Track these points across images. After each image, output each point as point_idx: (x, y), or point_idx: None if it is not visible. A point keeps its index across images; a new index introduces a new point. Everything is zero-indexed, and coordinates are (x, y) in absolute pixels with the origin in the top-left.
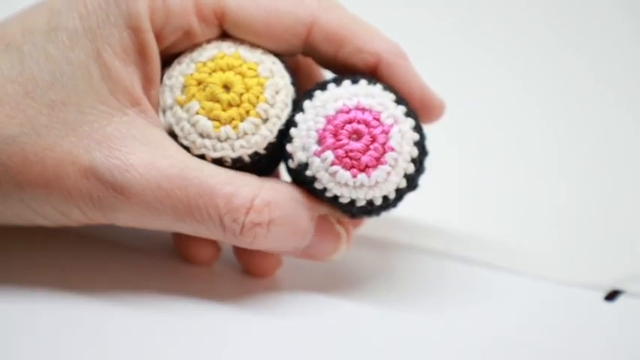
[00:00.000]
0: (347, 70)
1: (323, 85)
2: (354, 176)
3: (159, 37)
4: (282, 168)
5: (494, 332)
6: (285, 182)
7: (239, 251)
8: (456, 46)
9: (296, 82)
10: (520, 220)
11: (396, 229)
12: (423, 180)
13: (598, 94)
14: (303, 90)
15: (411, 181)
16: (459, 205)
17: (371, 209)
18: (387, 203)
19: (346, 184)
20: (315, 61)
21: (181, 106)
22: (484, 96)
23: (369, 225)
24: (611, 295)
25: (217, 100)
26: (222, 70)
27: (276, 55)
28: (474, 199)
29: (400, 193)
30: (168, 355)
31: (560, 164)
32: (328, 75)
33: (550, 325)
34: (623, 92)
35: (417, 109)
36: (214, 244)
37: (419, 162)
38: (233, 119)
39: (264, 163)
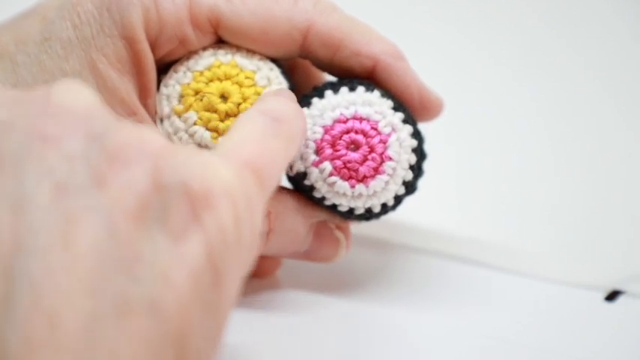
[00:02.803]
0: (344, 73)
1: (320, 92)
2: (353, 186)
3: (154, 47)
4: None
5: (494, 332)
6: (284, 189)
7: None
8: (454, 46)
9: (294, 87)
10: (520, 220)
11: (396, 230)
12: (422, 181)
13: (596, 95)
14: (301, 92)
15: (410, 187)
16: (459, 205)
17: (370, 216)
18: (386, 209)
19: (344, 194)
20: (312, 64)
21: (179, 115)
22: (482, 96)
23: (369, 225)
24: (612, 296)
25: (215, 111)
26: (220, 79)
27: (273, 59)
28: (474, 199)
29: (399, 200)
30: None
31: (560, 164)
32: (326, 76)
33: (550, 325)
34: (621, 93)
35: (416, 109)
36: None
37: (417, 168)
38: None
39: None
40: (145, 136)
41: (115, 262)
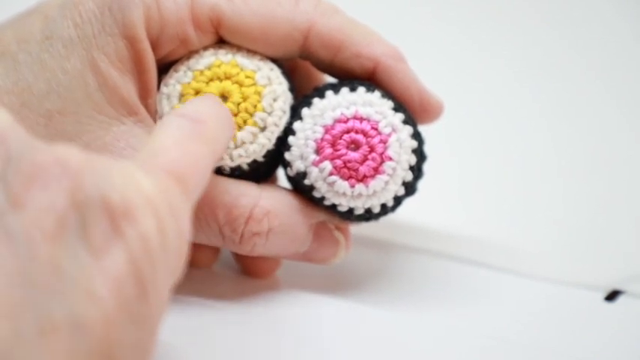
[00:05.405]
0: (345, 75)
1: (321, 92)
2: (352, 186)
3: (155, 46)
4: (280, 171)
5: (494, 332)
6: (284, 189)
7: (237, 254)
8: (455, 48)
9: (294, 87)
10: (520, 220)
11: (397, 230)
12: (423, 182)
13: (597, 96)
14: (302, 93)
15: (410, 188)
16: (460, 205)
17: (369, 216)
18: (386, 210)
19: (344, 194)
20: (313, 65)
21: None
22: (484, 97)
23: (370, 226)
24: (611, 296)
25: None
26: (220, 79)
27: (274, 60)
28: (475, 199)
29: (398, 200)
30: (167, 354)
31: (561, 165)
32: (326, 77)
33: (550, 325)
34: (622, 93)
35: (416, 111)
36: (213, 246)
37: (417, 169)
38: None
39: (263, 169)
40: (62, 155)
41: (36, 283)
